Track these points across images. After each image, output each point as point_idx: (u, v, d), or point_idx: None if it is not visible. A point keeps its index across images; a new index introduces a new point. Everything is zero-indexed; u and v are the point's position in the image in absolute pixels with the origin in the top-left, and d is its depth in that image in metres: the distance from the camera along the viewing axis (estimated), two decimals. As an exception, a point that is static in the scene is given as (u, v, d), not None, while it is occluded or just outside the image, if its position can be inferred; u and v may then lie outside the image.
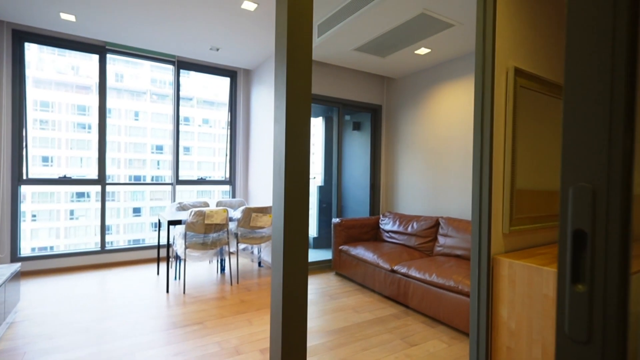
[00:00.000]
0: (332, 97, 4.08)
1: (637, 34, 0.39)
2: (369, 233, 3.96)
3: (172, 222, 3.16)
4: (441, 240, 3.26)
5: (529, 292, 1.55)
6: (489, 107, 1.71)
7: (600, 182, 0.39)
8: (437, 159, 3.69)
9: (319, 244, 4.99)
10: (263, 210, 3.59)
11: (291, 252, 1.13)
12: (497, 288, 1.69)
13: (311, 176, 5.24)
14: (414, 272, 2.80)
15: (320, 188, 5.04)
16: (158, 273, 3.78)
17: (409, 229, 3.60)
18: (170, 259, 4.25)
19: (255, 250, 4.01)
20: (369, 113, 4.52)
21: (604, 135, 0.41)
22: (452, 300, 2.48)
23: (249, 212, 3.51)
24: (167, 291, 3.23)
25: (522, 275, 1.58)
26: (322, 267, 4.07)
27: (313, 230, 5.03)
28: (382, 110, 4.47)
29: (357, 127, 4.72)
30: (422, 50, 3.33)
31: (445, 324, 2.60)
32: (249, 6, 3.08)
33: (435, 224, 3.42)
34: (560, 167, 0.44)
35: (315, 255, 4.41)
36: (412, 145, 4.03)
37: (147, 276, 3.68)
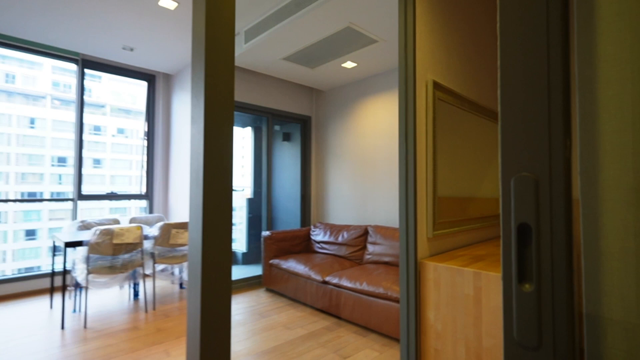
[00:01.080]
0: (262, 106, 3.98)
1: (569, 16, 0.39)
2: (300, 245, 3.89)
3: (70, 244, 2.68)
4: (370, 248, 3.33)
5: (453, 293, 1.62)
6: (412, 118, 1.79)
7: (542, 171, 0.38)
8: (365, 169, 3.81)
9: (249, 259, 4.76)
10: (184, 226, 3.28)
11: (211, 270, 0.99)
12: (424, 291, 1.74)
13: (240, 188, 5.00)
14: (345, 282, 2.79)
15: (250, 201, 4.84)
16: (51, 306, 3.18)
17: (340, 238, 3.61)
18: (69, 288, 3.61)
19: (176, 271, 3.63)
20: (298, 124, 4.51)
21: (543, 120, 0.40)
22: (382, 307, 2.51)
23: (167, 229, 3.17)
24: (63, 327, 2.71)
25: (446, 277, 1.65)
26: (251, 283, 3.86)
27: (242, 246, 4.78)
28: (312, 121, 4.50)
29: (287, 137, 4.67)
30: (349, 64, 3.43)
31: (376, 332, 2.62)
32: (168, 4, 2.85)
33: (364, 233, 3.49)
34: (499, 158, 0.42)
35: (244, 271, 4.17)
36: (341, 155, 4.11)
37: (38, 310, 3.06)
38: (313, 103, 4.52)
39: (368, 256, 3.33)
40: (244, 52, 3.23)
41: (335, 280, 2.87)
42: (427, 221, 1.85)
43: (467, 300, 1.56)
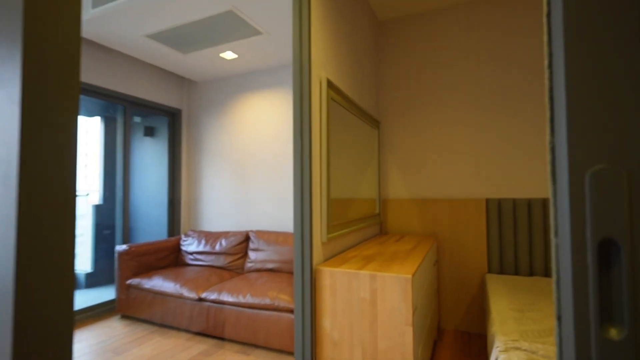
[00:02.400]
0: (117, 92, 3.24)
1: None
2: (168, 258, 3.33)
3: None
4: (252, 255, 3.09)
5: (349, 298, 1.57)
6: (307, 116, 1.67)
7: (636, 162, 0.28)
8: (246, 170, 3.55)
9: (96, 280, 3.82)
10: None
11: (32, 310, 0.61)
12: (320, 299, 1.64)
13: (83, 193, 3.98)
14: (225, 297, 2.48)
15: (98, 208, 3.90)
16: None
17: (217, 247, 3.25)
18: None
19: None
20: (166, 117, 3.89)
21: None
22: (268, 319, 2.32)
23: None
24: None
25: (342, 282, 1.59)
26: (101, 311, 3.08)
27: (86, 264, 3.80)
28: (183, 115, 3.95)
29: (150, 132, 3.96)
30: (229, 55, 3.13)
31: (263, 348, 2.41)
32: None
33: (245, 239, 3.23)
34: (565, 145, 0.30)
35: (89, 297, 3.31)
36: (218, 155, 3.72)
37: None
38: (184, 94, 3.98)
39: (250, 264, 3.08)
40: (94, 19, 2.54)
41: (213, 296, 2.52)
42: (321, 225, 1.77)
43: (364, 304, 1.54)
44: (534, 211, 2.43)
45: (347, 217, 2.11)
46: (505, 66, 2.60)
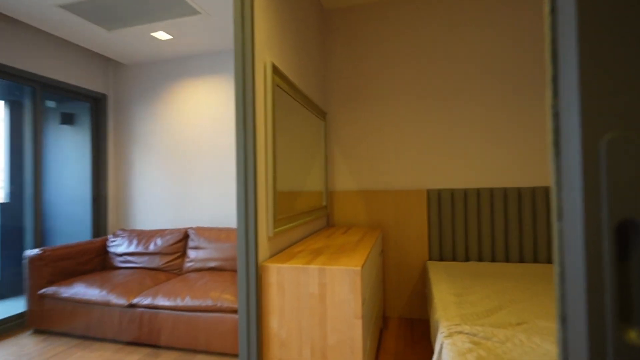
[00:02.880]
0: (25, 71, 2.77)
1: None
2: (93, 262, 2.96)
3: None
4: (192, 254, 2.88)
5: (297, 294, 1.50)
6: (251, 104, 1.55)
7: None
8: (185, 163, 3.29)
9: (1, 292, 3.28)
10: None
11: None
12: (266, 297, 1.55)
13: (-19, 189, 3.38)
14: (161, 301, 2.26)
15: (3, 206, 3.34)
16: None
17: (151, 247, 2.96)
18: None
19: None
20: (87, 102, 3.43)
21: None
22: (210, 321, 2.17)
23: None
24: None
25: (290, 278, 1.51)
26: (7, 327, 2.64)
27: (-13, 273, 3.23)
28: (109, 101, 3.52)
29: (68, 119, 3.48)
30: (162, 35, 2.84)
31: (205, 352, 2.25)
32: None
33: (184, 237, 2.99)
34: (567, 116, 0.24)
35: (-8, 312, 2.82)
36: (152, 146, 3.39)
37: None
38: (110, 78, 3.55)
39: (189, 264, 2.86)
40: (-14, -21, 2.11)
41: (147, 301, 2.29)
42: (267, 219, 1.67)
43: (312, 299, 1.48)
44: (469, 200, 2.59)
45: (294, 210, 2.03)
46: (446, 59, 2.71)
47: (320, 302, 1.47)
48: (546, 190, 2.47)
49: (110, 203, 3.47)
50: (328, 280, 1.46)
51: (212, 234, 2.89)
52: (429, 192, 2.69)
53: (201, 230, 2.94)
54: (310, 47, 2.57)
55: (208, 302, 2.18)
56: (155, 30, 2.76)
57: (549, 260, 2.45)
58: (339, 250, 1.80)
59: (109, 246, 3.09)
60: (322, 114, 2.74)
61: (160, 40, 2.93)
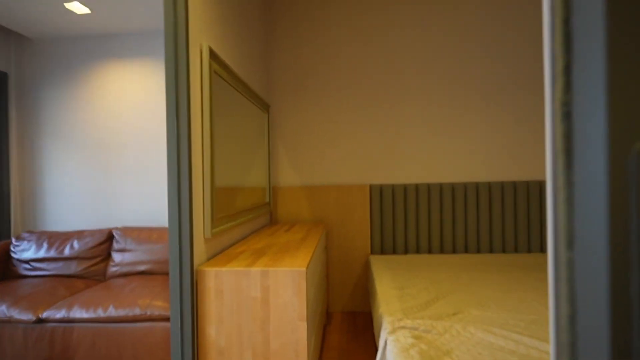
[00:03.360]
0: None
1: None
2: (-10, 270, 2.50)
3: None
4: (117, 257, 2.57)
5: (238, 299, 1.40)
6: (185, 91, 1.39)
7: None
8: (108, 155, 2.92)
9: None
10: None
11: None
12: (204, 304, 1.42)
13: None
14: (78, 313, 1.98)
15: None
16: None
17: (67, 251, 2.59)
18: None
19: None
20: (-20, 81, 2.87)
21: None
22: (139, 333, 1.95)
23: None
24: None
25: (230, 282, 1.40)
26: None
27: None
28: (10, 81, 2.98)
29: (-47, 100, 2.87)
30: (78, 7, 2.46)
31: (131, 366, 2.02)
32: None
33: (108, 238, 2.67)
34: (584, 115, 0.19)
35: None
36: (67, 136, 2.95)
37: None
38: (12, 53, 3.00)
39: (114, 268, 2.56)
40: None
41: (60, 314, 1.99)
42: (204, 218, 1.53)
43: (254, 303, 1.39)
44: (409, 195, 2.68)
45: (235, 208, 1.91)
46: (390, 55, 2.75)
47: (262, 306, 1.38)
48: (476, 186, 2.65)
49: (14, 200, 2.96)
50: (271, 283, 1.38)
51: (141, 234, 2.62)
52: (371, 187, 2.73)
53: (128, 231, 2.65)
54: (253, 35, 2.42)
55: (136, 311, 1.96)
56: (70, 1, 2.38)
57: (479, 250, 2.64)
58: (282, 250, 1.72)
59: (12, 251, 2.64)
60: (264, 106, 2.62)
61: (76, 13, 2.53)
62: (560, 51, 0.24)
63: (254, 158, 2.32)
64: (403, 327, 1.41)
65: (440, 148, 2.72)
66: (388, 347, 1.31)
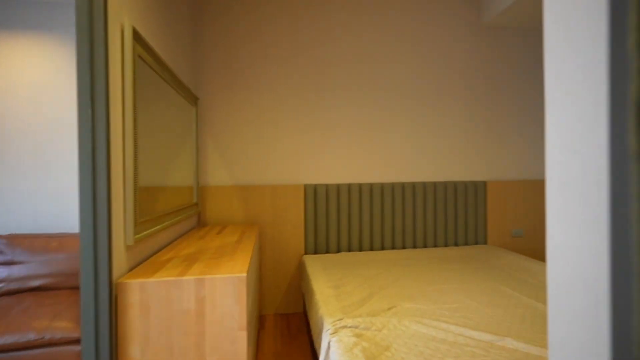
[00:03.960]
0: None
1: None
2: None
3: None
4: (3, 272, 2.11)
5: (168, 313, 1.25)
6: (102, 78, 1.19)
7: None
8: (-15, 147, 2.38)
9: None
10: None
11: None
12: (125, 322, 1.23)
13: None
14: (-55, 345, 1.57)
15: None
16: None
17: None
18: None
19: None
20: None
21: None
22: (34, 361, 1.63)
23: None
24: None
25: (158, 295, 1.24)
26: None
27: None
28: None
29: None
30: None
31: (22, 403, 1.67)
32: None
33: (-13, 249, 2.17)
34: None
35: None
36: None
37: None
38: None
39: (0, 285, 2.09)
40: None
41: None
42: (126, 222, 1.33)
43: (187, 317, 1.26)
44: (342, 195, 2.74)
45: (160, 210, 1.71)
46: (325, 55, 2.77)
47: (197, 319, 1.26)
48: (402, 186, 2.83)
49: None
50: (207, 293, 1.27)
51: (36, 243, 2.19)
52: (306, 187, 2.72)
53: (17, 239, 2.19)
54: (179, 18, 2.21)
55: (30, 336, 1.63)
56: None
57: (404, 246, 2.83)
58: (217, 255, 1.60)
59: None
60: (193, 99, 2.42)
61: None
62: (636, 51, 0.24)
63: (180, 154, 2.12)
64: (344, 327, 1.42)
65: (372, 149, 2.84)
66: (332, 348, 1.31)
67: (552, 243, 0.38)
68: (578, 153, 0.34)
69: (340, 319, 1.48)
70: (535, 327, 1.43)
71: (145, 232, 1.45)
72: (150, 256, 1.60)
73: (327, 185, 2.74)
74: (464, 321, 1.50)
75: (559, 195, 0.37)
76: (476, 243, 2.93)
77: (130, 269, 1.38)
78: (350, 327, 1.42)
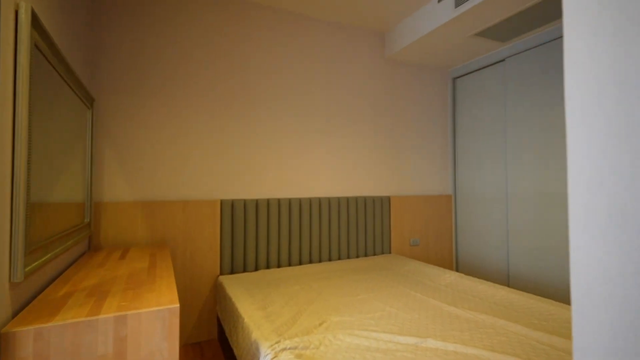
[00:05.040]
0: None
1: None
2: None
3: None
4: None
5: (76, 363, 1.01)
6: (-18, 59, 0.92)
7: None
8: None
9: None
10: None
11: None
12: (8, 385, 0.94)
13: None
14: None
15: None
16: None
17: None
18: None
19: None
20: None
21: None
22: None
23: None
24: None
25: (63, 343, 1.00)
26: None
27: None
28: None
29: None
30: None
31: None
32: None
33: None
34: None
35: None
36: None
37: None
38: None
39: None
40: None
41: None
42: (12, 252, 1.04)
43: (103, 363, 1.04)
44: (260, 210, 2.68)
45: (51, 232, 1.38)
46: (243, 66, 2.70)
47: (116, 364, 1.05)
48: (319, 201, 2.93)
49: None
50: (130, 331, 1.07)
51: None
52: (222, 202, 2.57)
53: None
54: (79, 4, 1.88)
55: None
56: None
57: (320, 260, 2.91)
58: (132, 285, 1.37)
59: None
60: (88, 100, 2.06)
61: None
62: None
63: (69, 165, 1.76)
64: (284, 349, 1.38)
65: (290, 165, 2.86)
66: (274, 374, 1.25)
67: (575, 255, 0.44)
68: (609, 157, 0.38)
69: (278, 342, 1.43)
70: (445, 326, 1.65)
71: (37, 263, 1.15)
72: (39, 293, 1.27)
73: (245, 201, 2.64)
74: (389, 327, 1.63)
75: (582, 205, 0.43)
76: (382, 253, 3.21)
77: (16, 313, 1.07)
78: (289, 348, 1.39)
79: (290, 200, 2.81)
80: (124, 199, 2.31)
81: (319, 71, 3.00)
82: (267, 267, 2.71)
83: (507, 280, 3.06)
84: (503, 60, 3.13)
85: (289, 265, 2.79)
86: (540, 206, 2.79)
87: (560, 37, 2.65)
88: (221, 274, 2.54)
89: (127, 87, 2.34)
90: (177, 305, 1.14)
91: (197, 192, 2.53)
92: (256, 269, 2.66)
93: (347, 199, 3.05)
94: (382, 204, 3.23)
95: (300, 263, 2.83)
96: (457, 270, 3.59)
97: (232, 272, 2.58)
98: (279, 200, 2.76)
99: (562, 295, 2.62)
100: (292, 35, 2.90)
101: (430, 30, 2.78)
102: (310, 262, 2.88)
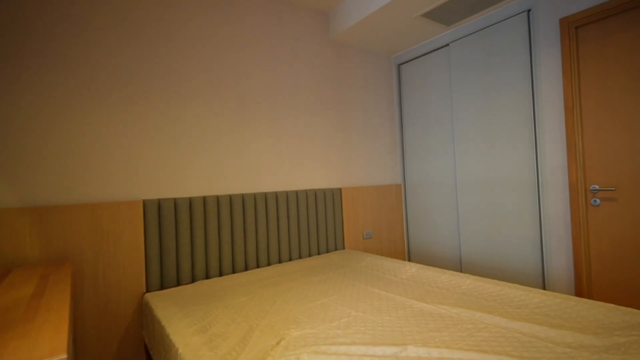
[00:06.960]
0: None
1: None
2: None
3: None
4: None
5: None
6: None
7: None
8: None
9: None
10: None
11: None
12: None
13: None
14: None
15: None
16: None
17: None
18: None
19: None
20: None
21: None
22: None
23: None
24: None
25: None
26: None
27: None
28: None
29: None
30: None
31: None
32: None
33: None
34: None
35: None
36: None
37: None
38: None
39: None
40: None
41: None
42: None
43: None
44: (194, 210, 2.25)
45: None
46: (172, 52, 2.23)
47: None
48: (265, 196, 2.58)
49: None
50: (-25, 413, 0.65)
51: None
52: (145, 203, 2.09)
53: None
54: None
55: None
56: None
57: (269, 262, 2.57)
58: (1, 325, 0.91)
59: None
60: None
61: None
62: None
63: None
64: (235, 389, 1.04)
65: (229, 157, 2.47)
66: None
67: None
68: None
69: (226, 378, 1.09)
70: (422, 327, 1.45)
71: None
72: None
73: (175, 200, 2.19)
74: (360, 337, 1.38)
75: None
76: (335, 249, 2.98)
77: None
78: (242, 386, 1.05)
79: (231, 197, 2.42)
80: (2, 205, 1.72)
81: (259, 56, 2.64)
82: (207, 276, 2.29)
83: (459, 265, 3.05)
84: (447, 45, 3.10)
85: (233, 272, 2.40)
86: (487, 190, 2.80)
87: (502, 20, 2.66)
88: (148, 290, 2.07)
89: (16, 53, 1.74)
90: (65, 356, 0.74)
91: (112, 191, 2.02)
92: (193, 280, 2.24)
93: (296, 193, 2.76)
94: (333, 196, 3.00)
95: (247, 268, 2.47)
96: (409, 259, 3.53)
97: (162, 287, 2.12)
98: (217, 197, 2.36)
99: (510, 276, 2.65)
100: (224, 15, 2.49)
101: (376, 9, 2.60)
102: (258, 266, 2.52)
